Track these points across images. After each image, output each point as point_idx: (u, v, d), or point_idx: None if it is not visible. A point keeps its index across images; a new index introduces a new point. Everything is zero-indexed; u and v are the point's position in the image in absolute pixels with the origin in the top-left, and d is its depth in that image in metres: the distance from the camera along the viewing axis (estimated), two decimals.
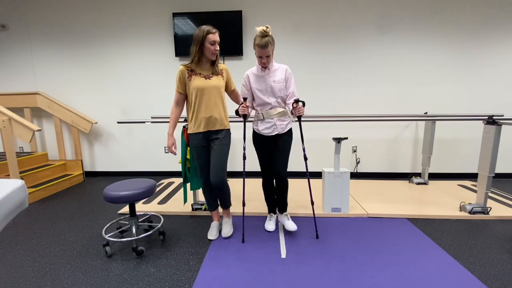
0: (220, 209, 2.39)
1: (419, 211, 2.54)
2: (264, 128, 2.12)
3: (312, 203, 2.15)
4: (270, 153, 2.20)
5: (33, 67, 3.85)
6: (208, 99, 1.97)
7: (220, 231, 2.26)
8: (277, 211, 2.36)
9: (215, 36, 1.89)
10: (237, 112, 2.10)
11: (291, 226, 2.19)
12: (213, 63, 2.01)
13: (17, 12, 3.72)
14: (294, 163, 3.82)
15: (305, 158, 2.10)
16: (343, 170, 2.46)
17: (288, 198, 2.93)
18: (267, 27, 1.87)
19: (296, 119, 2.05)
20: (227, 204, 2.24)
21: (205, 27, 1.89)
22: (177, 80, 1.99)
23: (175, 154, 2.05)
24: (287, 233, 2.23)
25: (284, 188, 2.21)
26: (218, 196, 2.20)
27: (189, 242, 2.13)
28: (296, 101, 1.96)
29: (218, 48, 1.93)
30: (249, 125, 3.77)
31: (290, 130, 2.17)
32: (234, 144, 3.83)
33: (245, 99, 2.02)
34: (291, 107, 2.03)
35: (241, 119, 2.15)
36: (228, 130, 2.11)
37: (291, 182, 3.53)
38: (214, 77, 2.00)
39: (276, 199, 2.31)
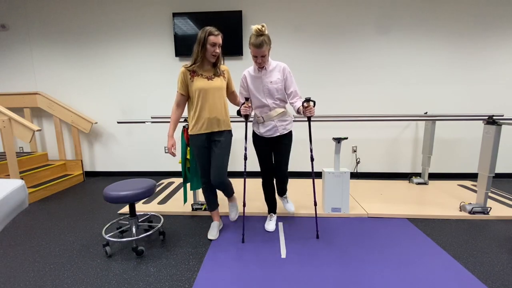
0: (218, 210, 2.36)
1: (419, 211, 2.54)
2: (266, 131, 2.10)
3: (315, 204, 2.15)
4: (271, 154, 2.20)
5: (33, 67, 3.85)
6: (210, 100, 1.96)
7: (220, 231, 2.27)
8: (277, 196, 2.40)
9: (216, 39, 1.86)
10: (238, 112, 2.08)
11: (290, 207, 2.43)
12: (215, 65, 1.99)
13: (17, 12, 3.72)
14: (297, 163, 3.82)
15: (312, 159, 2.08)
16: (343, 170, 2.46)
17: (289, 198, 2.93)
18: (263, 26, 1.82)
19: (306, 118, 2.02)
20: (229, 194, 2.25)
21: (208, 28, 1.86)
22: (179, 81, 1.97)
23: (174, 155, 2.03)
24: (287, 233, 2.23)
25: (285, 181, 2.31)
26: (221, 190, 2.19)
27: (189, 242, 2.13)
28: (307, 100, 1.89)
29: (218, 50, 1.90)
30: (249, 125, 3.76)
31: (291, 131, 2.15)
32: (234, 144, 3.83)
33: (247, 99, 1.97)
34: (297, 106, 1.98)
35: (242, 119, 2.14)
36: (230, 131, 2.11)
37: (293, 182, 3.53)
38: (216, 78, 1.98)
39: (277, 188, 2.37)
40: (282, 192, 2.37)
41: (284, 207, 2.45)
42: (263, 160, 2.20)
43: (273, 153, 2.20)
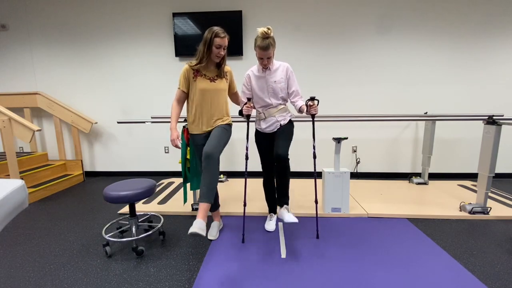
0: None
1: (419, 211, 2.54)
2: (267, 126, 2.13)
3: (316, 202, 2.16)
4: (272, 148, 2.21)
5: (33, 67, 3.85)
6: (212, 102, 1.98)
7: (220, 231, 2.27)
8: (277, 205, 2.10)
9: (222, 41, 1.86)
10: (240, 112, 2.10)
11: (290, 218, 1.85)
12: (219, 66, 1.99)
13: (17, 12, 3.72)
14: (297, 163, 3.82)
15: (314, 156, 2.09)
16: (343, 170, 2.46)
17: (289, 198, 2.93)
18: (269, 29, 1.84)
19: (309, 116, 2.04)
20: (209, 198, 1.80)
21: (215, 29, 1.85)
22: (181, 77, 1.96)
23: (180, 147, 2.00)
24: (287, 233, 2.23)
25: (285, 170, 1.96)
26: (204, 175, 1.82)
27: (189, 242, 2.13)
28: (312, 98, 1.94)
29: (222, 52, 1.91)
30: (251, 125, 3.78)
31: (290, 119, 2.17)
32: (234, 144, 3.83)
33: (249, 99, 2.00)
34: (299, 105, 2.03)
35: (243, 119, 2.14)
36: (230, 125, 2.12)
37: (292, 182, 3.53)
38: (219, 80, 1.99)
39: (277, 188, 2.07)
40: (284, 197, 2.04)
41: (283, 219, 1.91)
42: (265, 156, 2.22)
43: (275, 141, 2.13)
